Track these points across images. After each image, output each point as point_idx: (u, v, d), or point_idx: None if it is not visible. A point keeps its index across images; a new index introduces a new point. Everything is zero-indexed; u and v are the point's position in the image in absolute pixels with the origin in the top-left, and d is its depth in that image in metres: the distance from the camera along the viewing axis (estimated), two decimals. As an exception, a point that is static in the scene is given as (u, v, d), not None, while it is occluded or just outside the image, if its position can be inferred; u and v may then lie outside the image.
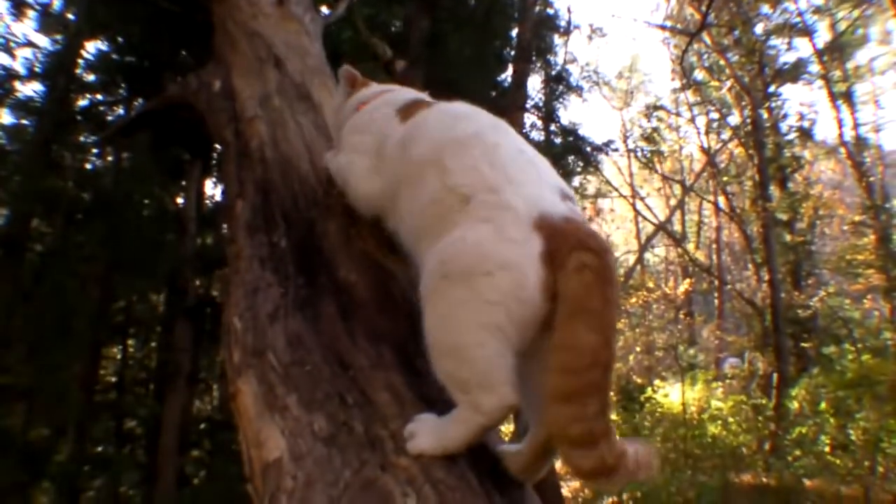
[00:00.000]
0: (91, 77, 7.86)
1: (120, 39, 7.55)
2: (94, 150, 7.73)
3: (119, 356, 9.00)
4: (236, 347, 1.52)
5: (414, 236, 1.42)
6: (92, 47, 7.77)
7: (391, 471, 1.12)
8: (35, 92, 7.44)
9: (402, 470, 1.12)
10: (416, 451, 1.15)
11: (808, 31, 17.30)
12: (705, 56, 18.50)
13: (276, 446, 1.25)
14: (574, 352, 1.07)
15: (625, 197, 21.43)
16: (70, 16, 7.83)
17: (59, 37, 7.66)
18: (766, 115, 16.89)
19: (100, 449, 7.70)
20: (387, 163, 1.55)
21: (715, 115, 19.66)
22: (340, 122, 1.80)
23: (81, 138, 7.57)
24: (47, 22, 7.72)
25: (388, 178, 1.54)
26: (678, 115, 21.94)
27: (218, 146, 7.47)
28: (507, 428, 9.08)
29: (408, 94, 1.73)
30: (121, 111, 7.94)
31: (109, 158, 8.02)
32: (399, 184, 1.49)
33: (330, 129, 1.90)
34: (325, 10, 5.35)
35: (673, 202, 23.61)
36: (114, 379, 8.85)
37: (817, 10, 17.36)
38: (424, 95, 1.77)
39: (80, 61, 7.59)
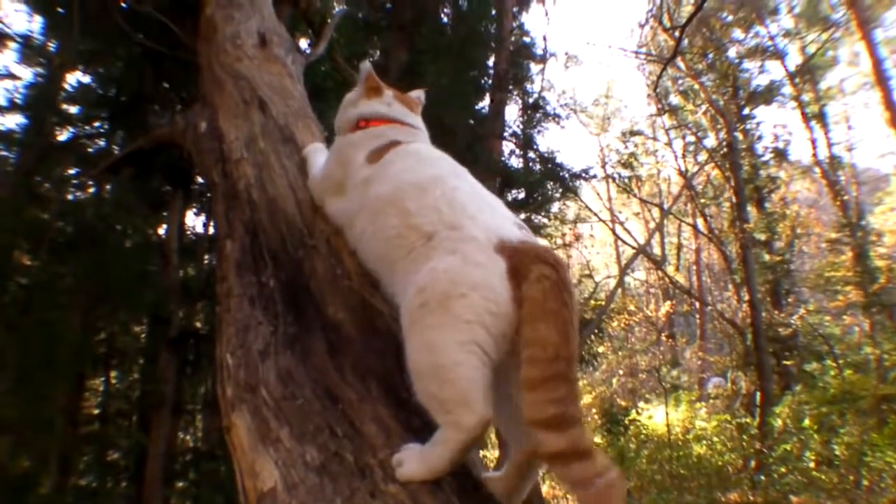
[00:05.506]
0: (73, 109, 7.85)
1: (101, 70, 7.56)
2: (75, 182, 7.71)
3: (101, 388, 8.91)
4: (229, 383, 1.58)
5: (386, 264, 1.57)
6: (73, 79, 7.78)
7: (381, 497, 1.19)
8: (17, 124, 7.45)
9: (391, 496, 1.19)
10: (405, 479, 1.22)
11: (779, 55, 17.68)
12: (680, 81, 18.70)
13: (270, 476, 1.31)
14: (538, 346, 1.20)
15: (604, 221, 21.47)
16: (51, 47, 7.85)
17: (40, 70, 7.67)
18: (741, 137, 17.08)
19: (83, 482, 7.60)
20: (349, 194, 1.81)
21: (691, 139, 19.85)
22: (344, 121, 1.98)
23: (64, 170, 7.56)
24: (28, 54, 7.74)
25: (348, 206, 1.80)
26: (655, 139, 22.10)
27: (200, 179, 7.53)
28: (493, 454, 9.11)
29: (392, 133, 1.86)
30: (102, 143, 7.93)
31: (91, 190, 8.00)
32: (357, 213, 1.73)
33: (337, 116, 2.02)
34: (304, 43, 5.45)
35: (652, 225, 23.66)
36: (96, 411, 8.77)
37: (788, 34, 17.74)
38: (411, 130, 1.92)
39: (62, 93, 7.60)
